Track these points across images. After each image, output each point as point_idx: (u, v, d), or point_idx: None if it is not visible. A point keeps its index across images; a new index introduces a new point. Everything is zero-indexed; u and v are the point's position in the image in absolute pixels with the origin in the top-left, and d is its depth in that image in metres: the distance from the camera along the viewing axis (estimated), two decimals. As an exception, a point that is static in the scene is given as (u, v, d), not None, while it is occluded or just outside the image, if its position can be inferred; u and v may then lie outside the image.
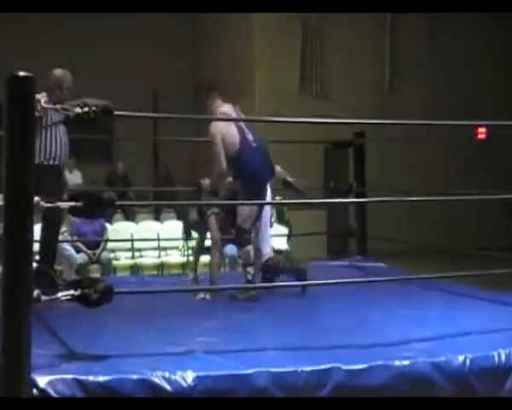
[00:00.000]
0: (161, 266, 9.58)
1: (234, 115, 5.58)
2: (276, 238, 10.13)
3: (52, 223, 5.31)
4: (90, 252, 8.77)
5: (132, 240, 9.07)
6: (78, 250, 9.18)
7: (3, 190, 3.34)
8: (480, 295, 5.40)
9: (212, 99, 5.60)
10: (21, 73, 3.34)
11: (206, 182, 5.71)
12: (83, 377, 3.26)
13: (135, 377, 3.32)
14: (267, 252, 5.69)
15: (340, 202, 7.75)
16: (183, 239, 8.36)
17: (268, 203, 9.93)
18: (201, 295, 5.36)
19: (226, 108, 5.58)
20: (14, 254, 3.29)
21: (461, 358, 3.72)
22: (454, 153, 14.57)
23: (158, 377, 3.33)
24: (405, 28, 14.85)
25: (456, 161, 14.82)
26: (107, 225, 9.54)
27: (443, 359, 3.71)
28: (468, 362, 3.71)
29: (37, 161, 4.99)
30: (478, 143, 11.77)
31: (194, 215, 5.77)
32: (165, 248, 9.74)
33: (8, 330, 3.24)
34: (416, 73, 15.03)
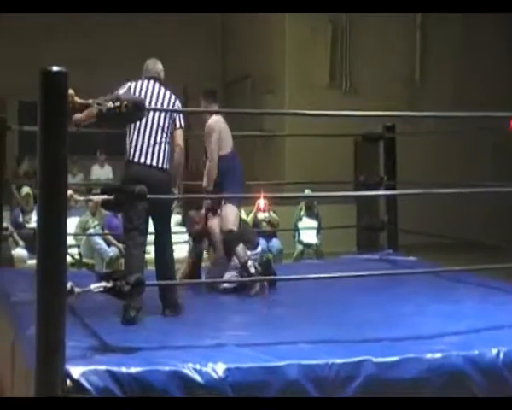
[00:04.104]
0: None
1: (224, 122, 5.54)
2: (305, 232, 10.18)
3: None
4: (120, 245, 8.83)
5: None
6: (109, 244, 9.28)
7: (38, 184, 3.39)
8: (512, 289, 5.35)
9: (207, 103, 5.54)
10: (54, 68, 3.37)
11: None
12: (115, 369, 3.30)
13: (166, 368, 3.36)
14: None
15: (371, 195, 7.70)
16: None
17: (299, 197, 9.96)
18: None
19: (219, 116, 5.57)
20: (49, 248, 3.33)
21: (494, 351, 3.70)
22: (485, 145, 14.40)
23: (189, 369, 3.37)
24: (436, 21, 14.68)
25: (486, 153, 14.66)
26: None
27: (476, 352, 3.69)
28: (501, 355, 3.68)
29: (154, 163, 4.62)
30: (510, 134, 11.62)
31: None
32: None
33: (42, 322, 3.29)
34: (447, 66, 14.87)
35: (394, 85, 14.37)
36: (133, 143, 4.66)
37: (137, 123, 4.64)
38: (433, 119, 11.88)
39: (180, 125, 4.76)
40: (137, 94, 4.68)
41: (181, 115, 4.77)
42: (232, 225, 5.44)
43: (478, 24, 14.69)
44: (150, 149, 4.64)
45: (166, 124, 4.73)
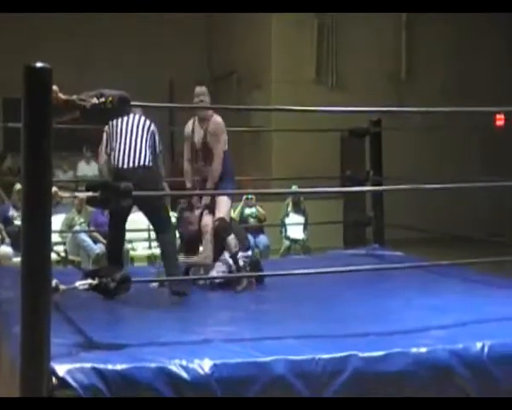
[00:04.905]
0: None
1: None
2: (292, 227, 10.19)
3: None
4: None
5: (149, 230, 9.06)
6: (95, 241, 9.24)
7: (22, 181, 3.36)
8: (498, 282, 5.37)
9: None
10: (38, 65, 3.34)
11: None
12: (101, 366, 3.28)
13: (153, 365, 3.34)
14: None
15: (357, 191, 7.72)
16: None
17: (286, 193, 9.96)
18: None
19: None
20: (33, 245, 3.31)
21: (479, 345, 3.71)
22: (472, 140, 14.46)
23: (175, 366, 3.35)
24: (422, 17, 14.69)
25: (474, 149, 14.72)
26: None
27: (461, 346, 3.70)
28: (486, 349, 3.69)
29: (137, 164, 5.03)
30: (496, 129, 11.69)
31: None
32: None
33: (27, 319, 3.26)
34: (433, 62, 14.91)
35: (380, 81, 14.40)
36: (116, 151, 5.05)
37: (119, 134, 5.08)
38: (419, 115, 11.92)
39: (160, 150, 5.31)
40: (119, 123, 5.15)
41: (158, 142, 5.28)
42: (224, 214, 5.51)
43: (463, 21, 14.72)
44: (132, 153, 5.04)
45: (147, 138, 5.15)
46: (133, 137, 5.11)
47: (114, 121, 5.17)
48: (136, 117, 5.23)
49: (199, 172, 5.68)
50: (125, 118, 5.18)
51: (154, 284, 5.26)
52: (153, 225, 5.24)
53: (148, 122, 5.23)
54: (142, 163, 5.03)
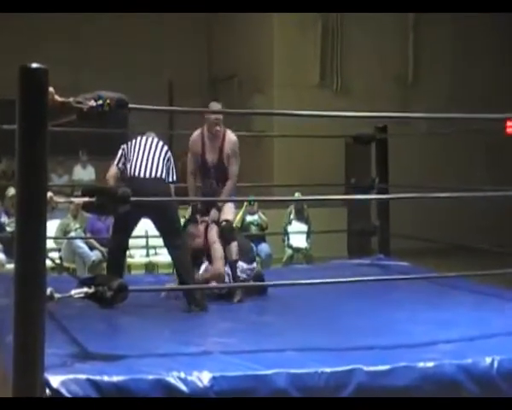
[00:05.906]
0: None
1: None
2: (295, 236, 10.07)
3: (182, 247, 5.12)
4: (103, 249, 8.67)
5: (147, 237, 8.95)
6: (91, 247, 9.09)
7: (16, 185, 3.27)
8: (507, 295, 5.27)
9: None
10: (34, 65, 3.27)
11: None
12: (97, 378, 3.19)
13: (150, 377, 3.26)
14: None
15: (362, 199, 7.61)
16: None
17: (291, 200, 9.87)
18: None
19: None
20: (27, 251, 3.22)
21: (488, 360, 3.60)
22: (479, 145, 14.33)
23: (173, 378, 3.27)
24: (429, 19, 14.56)
25: (480, 154, 14.61)
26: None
27: (469, 361, 3.60)
28: (495, 364, 3.59)
29: (153, 175, 5.08)
30: (506, 136, 11.57)
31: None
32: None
33: (21, 328, 3.18)
34: (441, 65, 14.76)
35: (386, 85, 14.24)
36: (133, 162, 5.10)
37: (137, 149, 5.14)
38: (425, 120, 11.79)
39: (173, 180, 5.26)
40: (137, 141, 5.21)
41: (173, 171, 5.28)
42: (231, 218, 5.51)
43: (471, 23, 14.58)
44: (149, 165, 5.10)
45: (164, 158, 5.18)
46: (151, 152, 5.16)
47: (133, 140, 5.27)
48: (155, 139, 5.28)
49: (210, 189, 5.55)
50: (144, 137, 5.27)
51: (162, 294, 5.25)
52: (164, 237, 5.18)
53: (165, 147, 5.28)
54: (158, 175, 5.10)
